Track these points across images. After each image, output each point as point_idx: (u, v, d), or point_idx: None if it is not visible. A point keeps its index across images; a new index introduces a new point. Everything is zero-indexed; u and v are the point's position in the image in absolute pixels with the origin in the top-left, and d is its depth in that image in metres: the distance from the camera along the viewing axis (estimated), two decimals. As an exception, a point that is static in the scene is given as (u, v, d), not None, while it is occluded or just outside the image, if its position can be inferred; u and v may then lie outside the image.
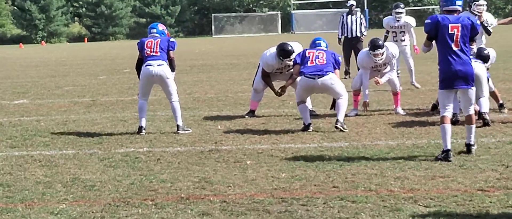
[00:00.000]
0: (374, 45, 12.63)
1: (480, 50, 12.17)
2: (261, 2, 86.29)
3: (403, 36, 17.08)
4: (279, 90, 12.90)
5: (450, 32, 8.94)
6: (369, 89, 13.16)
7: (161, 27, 12.13)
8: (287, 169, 8.58)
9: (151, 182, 8.12)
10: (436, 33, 9.01)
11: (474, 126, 9.23)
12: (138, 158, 9.55)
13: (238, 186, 7.82)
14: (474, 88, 9.15)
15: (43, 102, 16.84)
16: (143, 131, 11.56)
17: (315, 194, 7.38)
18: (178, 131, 11.56)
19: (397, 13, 17.05)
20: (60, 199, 7.48)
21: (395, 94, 13.01)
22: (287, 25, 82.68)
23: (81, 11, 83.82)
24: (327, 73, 11.54)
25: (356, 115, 12.77)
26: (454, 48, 8.93)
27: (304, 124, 11.48)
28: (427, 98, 14.68)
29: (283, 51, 12.71)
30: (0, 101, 17.32)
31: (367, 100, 12.96)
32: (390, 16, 17.48)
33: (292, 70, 12.78)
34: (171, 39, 11.93)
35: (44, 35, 79.05)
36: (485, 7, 12.93)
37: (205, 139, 10.90)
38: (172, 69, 11.80)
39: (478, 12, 12.75)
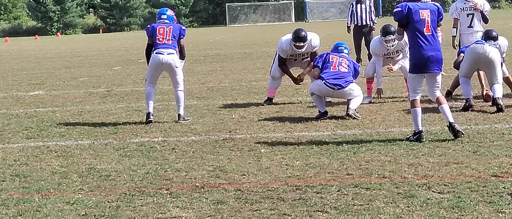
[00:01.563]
0: (386, 31, 12.65)
1: (488, 31, 12.22)
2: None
3: None
4: (297, 78, 12.94)
5: (421, 17, 9.23)
6: (382, 76, 13.17)
7: (170, 12, 12.19)
8: (301, 157, 8.61)
9: (166, 171, 8.17)
10: (407, 20, 9.29)
11: (446, 104, 9.46)
12: (153, 148, 9.60)
13: (252, 175, 7.86)
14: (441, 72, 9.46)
15: (58, 93, 16.92)
16: (151, 117, 11.61)
17: (329, 181, 7.41)
18: (179, 120, 11.61)
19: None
20: (76, 189, 7.54)
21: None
22: (301, 13, 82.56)
23: (95, 2, 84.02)
24: (347, 84, 11.52)
25: (370, 102, 12.78)
26: (426, 33, 9.23)
27: (319, 111, 11.48)
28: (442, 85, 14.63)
29: (296, 36, 12.72)
30: (16, 92, 17.42)
31: (381, 87, 12.98)
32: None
33: (307, 59, 12.81)
34: (183, 27, 12.00)
35: (59, 27, 79.26)
36: None
37: (219, 128, 10.95)
38: (182, 57, 11.86)
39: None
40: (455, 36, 14.38)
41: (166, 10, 12.25)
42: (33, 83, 19.59)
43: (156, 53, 11.65)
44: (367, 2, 21.32)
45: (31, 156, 9.40)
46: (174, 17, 12.22)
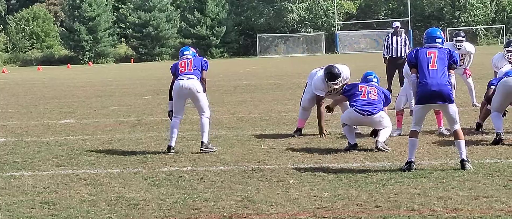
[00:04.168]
0: None
1: None
2: (306, 22, 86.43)
3: (462, 62, 16.75)
4: (326, 110, 12.88)
5: (427, 56, 9.78)
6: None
7: (192, 50, 12.43)
8: (329, 189, 8.58)
9: (194, 201, 8.17)
10: (416, 60, 9.84)
11: (462, 141, 9.60)
12: (181, 177, 9.61)
13: (280, 205, 7.84)
14: (453, 105, 9.71)
15: (89, 121, 17.03)
16: (172, 151, 11.62)
17: (358, 213, 7.38)
18: (202, 148, 11.60)
19: (458, 41, 16.88)
20: (105, 218, 7.57)
21: (438, 113, 12.94)
22: (332, 45, 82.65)
23: (127, 32, 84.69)
24: (377, 111, 11.57)
25: (399, 135, 12.72)
26: (430, 67, 9.69)
27: (349, 143, 11.46)
28: (472, 118, 14.55)
29: (330, 74, 12.72)
30: (47, 120, 17.55)
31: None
32: (449, 43, 17.19)
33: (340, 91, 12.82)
34: (204, 59, 12.12)
35: (92, 56, 79.98)
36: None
37: (248, 158, 10.95)
38: (203, 90, 11.86)
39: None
40: None
41: (189, 48, 12.61)
42: (64, 111, 19.74)
43: (177, 80, 11.83)
44: (403, 35, 21.42)
45: (60, 183, 9.45)
46: (197, 54, 12.44)
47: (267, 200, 8.08)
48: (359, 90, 11.84)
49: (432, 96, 9.58)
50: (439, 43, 9.95)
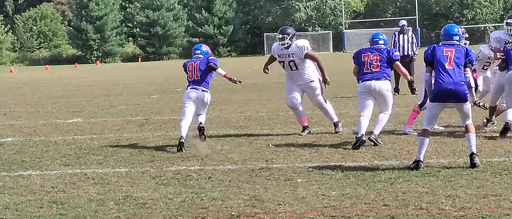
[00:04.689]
0: None
1: None
2: (313, 21, 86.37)
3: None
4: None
5: (444, 54, 9.69)
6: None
7: (204, 48, 12.62)
8: (337, 187, 8.57)
9: (202, 200, 8.17)
10: (432, 57, 9.78)
11: (473, 134, 9.65)
12: (189, 176, 9.61)
13: (288, 204, 7.84)
14: (467, 103, 9.70)
15: (96, 121, 17.06)
16: (183, 145, 11.73)
17: (366, 212, 7.37)
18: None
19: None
20: (113, 217, 7.58)
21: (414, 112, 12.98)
22: (339, 44, 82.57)
23: (135, 31, 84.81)
24: (381, 79, 11.84)
25: (413, 131, 12.61)
26: (447, 67, 9.63)
27: (356, 137, 11.50)
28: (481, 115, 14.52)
29: (280, 29, 13.29)
30: (55, 120, 17.58)
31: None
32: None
33: (305, 67, 13.06)
34: (211, 57, 12.50)
35: (99, 55, 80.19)
36: None
37: (256, 157, 10.94)
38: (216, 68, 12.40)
39: None
40: None
41: (201, 46, 12.77)
42: (72, 111, 19.77)
43: (187, 88, 12.49)
44: (409, 33, 21.35)
45: (68, 183, 9.46)
46: (209, 51, 12.55)
47: (275, 199, 8.08)
48: (363, 59, 12.02)
49: (447, 95, 9.56)
50: (456, 40, 9.86)
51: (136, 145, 12.59)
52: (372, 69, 11.85)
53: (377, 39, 12.21)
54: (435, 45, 9.96)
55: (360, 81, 11.96)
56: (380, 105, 11.95)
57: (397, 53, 12.53)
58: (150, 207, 7.92)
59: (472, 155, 9.46)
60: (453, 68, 9.60)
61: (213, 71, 12.45)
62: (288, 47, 13.00)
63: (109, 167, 10.57)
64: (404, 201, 7.75)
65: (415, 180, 8.78)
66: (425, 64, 10.02)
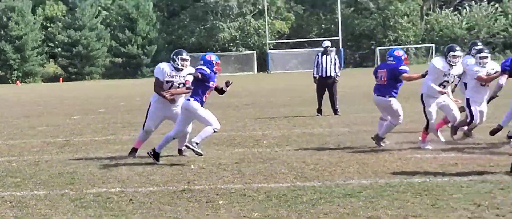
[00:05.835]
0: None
1: None
2: (237, 41, 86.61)
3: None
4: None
5: None
6: (343, 128, 13.21)
7: (208, 57, 12.49)
8: (259, 209, 8.55)
9: (122, 223, 8.05)
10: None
11: None
12: (110, 199, 9.47)
13: (210, 227, 7.78)
14: None
15: (15, 142, 16.71)
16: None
17: (287, 234, 7.35)
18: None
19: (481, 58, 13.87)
20: (30, 241, 7.40)
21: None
22: (263, 64, 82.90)
23: (56, 51, 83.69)
24: (381, 95, 12.96)
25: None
26: None
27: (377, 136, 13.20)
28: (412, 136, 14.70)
29: (178, 51, 13.19)
30: (-28, 141, 17.17)
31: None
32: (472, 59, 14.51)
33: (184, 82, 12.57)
34: (198, 67, 12.32)
35: (19, 75, 78.81)
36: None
37: (177, 179, 10.85)
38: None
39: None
40: None
41: (205, 56, 12.58)
42: (-9, 132, 19.34)
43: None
44: (333, 54, 21.50)
45: (-16, 206, 9.23)
46: (214, 61, 12.34)
47: (196, 222, 8.01)
48: (378, 75, 13.09)
49: None
50: None
51: (56, 167, 12.36)
52: (380, 84, 12.97)
53: (388, 55, 13.16)
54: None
55: None
56: (387, 116, 13.11)
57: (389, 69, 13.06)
58: (69, 231, 7.77)
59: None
60: None
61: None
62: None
63: (28, 190, 10.35)
64: (325, 223, 7.77)
65: (336, 201, 8.81)
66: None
